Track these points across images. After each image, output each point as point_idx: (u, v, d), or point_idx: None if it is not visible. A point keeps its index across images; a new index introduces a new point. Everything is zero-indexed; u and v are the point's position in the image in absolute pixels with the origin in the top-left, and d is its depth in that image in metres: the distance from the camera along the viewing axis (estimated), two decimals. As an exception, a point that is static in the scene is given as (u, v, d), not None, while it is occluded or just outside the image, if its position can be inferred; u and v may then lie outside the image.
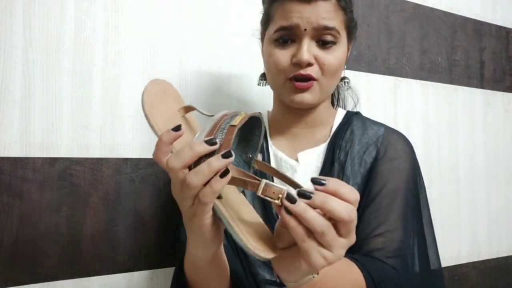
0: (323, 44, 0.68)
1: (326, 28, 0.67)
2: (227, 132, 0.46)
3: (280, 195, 0.43)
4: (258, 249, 0.44)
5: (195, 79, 0.92)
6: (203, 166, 0.43)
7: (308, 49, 0.67)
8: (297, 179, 0.71)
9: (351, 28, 0.74)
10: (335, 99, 0.88)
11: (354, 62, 1.13)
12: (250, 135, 0.55)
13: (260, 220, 0.50)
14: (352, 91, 0.88)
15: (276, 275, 0.52)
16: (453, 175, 1.26)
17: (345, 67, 0.78)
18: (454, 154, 1.27)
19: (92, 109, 0.82)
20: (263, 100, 0.96)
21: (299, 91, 0.69)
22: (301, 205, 0.41)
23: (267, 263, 0.68)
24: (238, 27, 0.97)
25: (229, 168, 0.45)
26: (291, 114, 0.76)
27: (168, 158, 0.45)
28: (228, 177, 0.44)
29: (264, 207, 0.71)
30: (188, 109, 0.57)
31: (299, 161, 0.73)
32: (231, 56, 0.96)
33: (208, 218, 0.46)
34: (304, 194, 0.42)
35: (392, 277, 0.60)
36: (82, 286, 0.79)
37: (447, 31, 1.29)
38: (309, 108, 0.75)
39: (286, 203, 0.41)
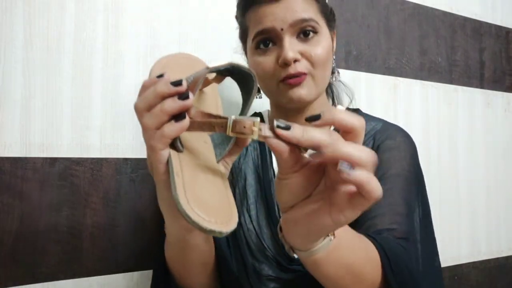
0: (305, 36, 0.67)
1: (303, 20, 0.66)
2: (197, 74, 0.41)
3: (255, 128, 0.37)
4: (195, 214, 0.36)
5: (195, 79, 0.92)
6: (157, 107, 0.40)
7: (290, 47, 0.65)
8: None
9: (328, 16, 0.72)
10: (329, 97, 0.85)
11: (354, 62, 1.13)
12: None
13: (224, 193, 0.42)
14: (346, 87, 0.86)
15: (289, 247, 0.46)
16: (453, 174, 1.26)
17: (334, 57, 0.77)
18: (454, 154, 1.27)
19: (92, 109, 0.82)
20: (264, 100, 0.96)
21: (293, 87, 0.67)
22: (296, 126, 0.36)
23: (269, 256, 0.68)
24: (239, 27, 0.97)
25: (193, 113, 0.39)
26: (287, 114, 0.75)
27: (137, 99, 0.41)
28: (183, 123, 0.39)
29: (267, 206, 0.71)
30: (207, 82, 0.49)
31: None
32: (232, 57, 0.96)
33: (162, 171, 0.41)
34: (310, 118, 0.38)
35: (405, 258, 0.58)
36: (82, 286, 0.79)
37: (447, 31, 1.29)
38: (305, 106, 0.73)
39: (281, 132, 0.36)
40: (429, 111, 1.24)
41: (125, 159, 0.84)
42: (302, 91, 0.68)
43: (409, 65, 1.22)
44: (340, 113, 0.37)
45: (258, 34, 0.67)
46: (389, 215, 0.63)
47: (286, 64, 0.66)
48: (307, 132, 0.36)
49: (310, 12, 0.67)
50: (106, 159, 0.83)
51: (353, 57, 1.12)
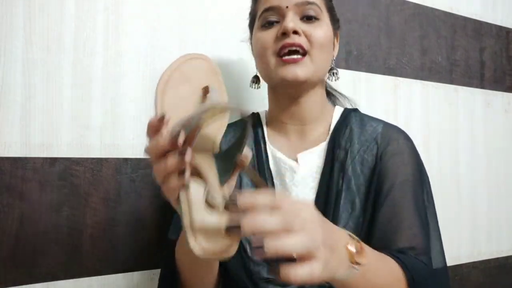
0: (307, 19, 0.70)
1: (308, 2, 0.70)
2: (192, 128, 0.45)
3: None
4: (202, 250, 0.43)
5: (195, 79, 0.92)
6: (161, 162, 0.45)
7: (292, 20, 0.68)
8: (297, 180, 0.72)
9: (332, 12, 0.75)
10: (330, 100, 0.85)
11: (354, 62, 1.12)
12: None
13: (227, 217, 0.47)
14: (348, 99, 0.87)
15: None
16: (453, 175, 1.26)
17: (334, 58, 0.78)
18: (454, 154, 1.27)
19: (92, 109, 0.82)
20: (263, 100, 0.96)
21: (289, 65, 0.68)
22: (243, 225, 0.40)
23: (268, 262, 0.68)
24: (239, 27, 0.97)
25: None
26: (285, 109, 0.75)
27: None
28: (185, 179, 0.45)
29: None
30: (207, 90, 0.53)
31: (299, 162, 0.73)
32: (231, 56, 0.96)
33: (175, 203, 0.49)
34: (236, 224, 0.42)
35: (426, 275, 0.61)
36: (82, 286, 0.79)
37: (447, 31, 1.29)
38: (302, 93, 0.73)
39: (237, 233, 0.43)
40: (429, 111, 1.24)
41: (125, 159, 0.84)
42: (299, 70, 0.68)
43: (410, 65, 1.22)
44: (245, 198, 0.42)
45: (264, 11, 0.71)
46: (406, 229, 0.65)
47: (284, 34, 0.68)
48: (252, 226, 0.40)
49: None
50: (106, 159, 0.83)
51: (353, 57, 1.12)
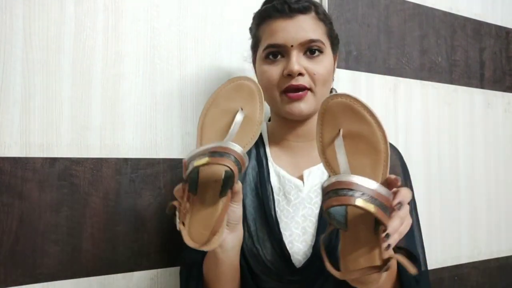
0: (311, 53, 0.73)
1: (312, 40, 0.72)
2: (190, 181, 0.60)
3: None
4: (192, 243, 0.59)
5: (195, 79, 0.92)
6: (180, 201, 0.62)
7: (297, 61, 0.71)
8: (302, 198, 0.73)
9: (333, 39, 0.78)
10: None
11: (354, 62, 1.13)
12: None
13: (213, 222, 0.60)
14: None
15: None
16: (453, 175, 1.26)
17: (334, 79, 0.81)
18: (454, 154, 1.27)
19: (92, 109, 0.82)
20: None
21: (294, 101, 0.72)
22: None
23: (272, 269, 0.70)
24: (238, 27, 0.97)
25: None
26: (287, 126, 0.78)
27: None
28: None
29: (266, 220, 0.73)
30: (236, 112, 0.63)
31: (304, 179, 0.75)
32: (231, 55, 0.97)
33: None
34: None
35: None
36: (82, 286, 0.79)
37: (447, 31, 1.29)
38: (305, 119, 0.77)
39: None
40: (429, 111, 1.24)
41: (125, 159, 0.84)
42: (303, 105, 0.73)
43: (409, 65, 1.22)
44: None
45: (269, 46, 0.73)
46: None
47: (290, 75, 0.71)
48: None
49: (318, 33, 0.73)
50: (106, 159, 0.83)
51: (353, 57, 1.12)
